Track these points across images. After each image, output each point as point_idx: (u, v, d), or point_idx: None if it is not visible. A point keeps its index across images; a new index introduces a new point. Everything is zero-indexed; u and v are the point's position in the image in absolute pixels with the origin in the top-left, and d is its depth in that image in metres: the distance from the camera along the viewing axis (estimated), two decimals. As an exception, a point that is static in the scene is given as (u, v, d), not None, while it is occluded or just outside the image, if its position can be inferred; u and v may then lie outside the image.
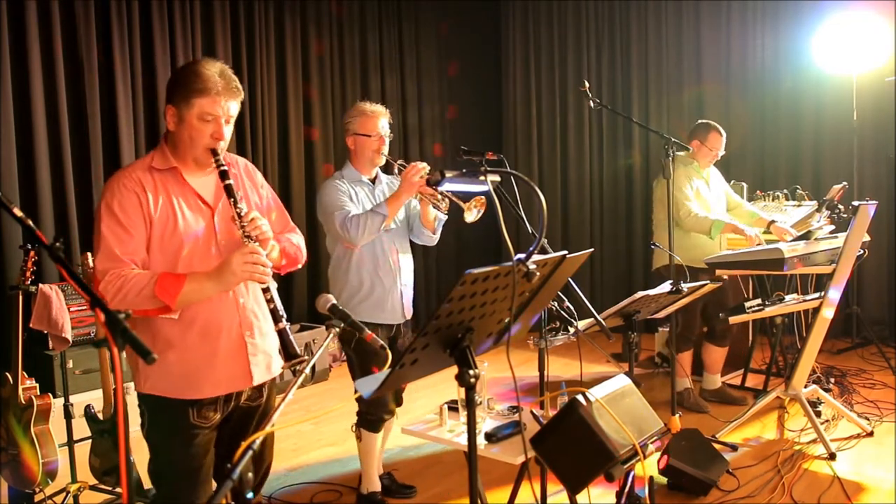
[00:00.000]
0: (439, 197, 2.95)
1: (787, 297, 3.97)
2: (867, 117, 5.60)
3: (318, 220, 3.20)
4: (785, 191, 5.05)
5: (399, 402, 3.26)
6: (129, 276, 1.92)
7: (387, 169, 3.34)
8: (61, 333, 3.47)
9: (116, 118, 4.76)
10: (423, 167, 2.91)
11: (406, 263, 3.19)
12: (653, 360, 5.25)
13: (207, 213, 2.08)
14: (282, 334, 1.99)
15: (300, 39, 6.00)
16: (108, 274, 1.93)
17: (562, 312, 2.62)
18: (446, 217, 3.09)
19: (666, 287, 3.09)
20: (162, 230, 2.00)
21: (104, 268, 1.94)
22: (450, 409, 2.58)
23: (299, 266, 2.32)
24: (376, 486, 3.24)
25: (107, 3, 4.71)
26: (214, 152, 2.03)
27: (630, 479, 2.35)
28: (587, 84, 3.53)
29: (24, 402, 3.08)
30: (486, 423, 2.50)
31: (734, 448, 3.72)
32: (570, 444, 2.12)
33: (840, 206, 4.32)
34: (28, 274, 3.10)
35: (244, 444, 1.51)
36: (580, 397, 2.13)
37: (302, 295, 5.93)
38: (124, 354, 1.29)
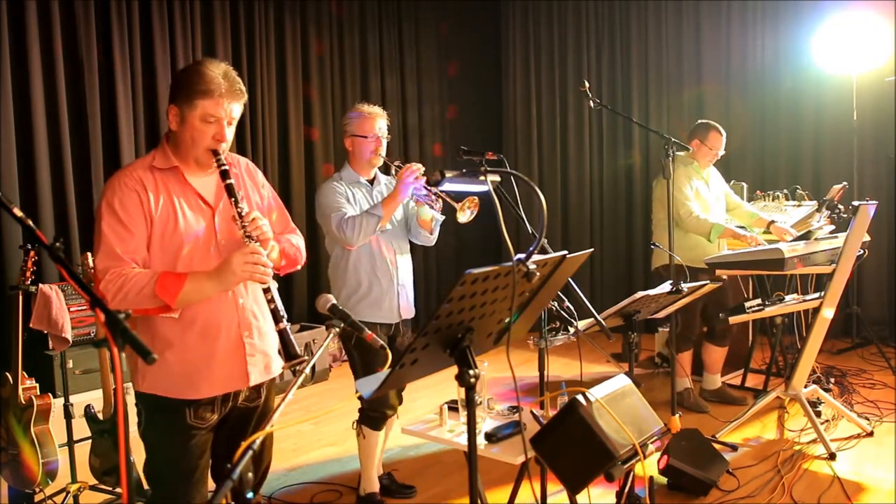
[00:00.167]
0: (433, 197, 2.96)
1: (787, 297, 3.97)
2: (867, 117, 5.60)
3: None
4: (785, 191, 5.05)
5: (400, 400, 3.26)
6: (129, 275, 1.92)
7: (385, 170, 3.34)
8: (61, 333, 3.47)
9: (116, 118, 4.76)
10: (417, 168, 2.92)
11: (404, 264, 3.19)
12: (653, 360, 5.24)
13: (208, 212, 2.08)
14: (282, 334, 1.99)
15: (300, 39, 6.00)
16: (108, 272, 1.92)
17: (562, 312, 2.62)
18: (443, 218, 3.10)
19: (666, 287, 3.09)
20: (162, 229, 2.00)
21: (105, 266, 1.94)
22: (450, 409, 2.58)
23: (298, 267, 2.32)
24: (375, 486, 3.24)
25: (107, 3, 4.72)
26: (216, 153, 2.03)
27: (630, 479, 2.34)
28: (587, 84, 3.53)
29: (24, 402, 3.08)
30: (486, 423, 2.50)
31: (734, 448, 3.73)
32: (570, 444, 2.12)
33: (840, 206, 4.32)
34: (28, 274, 3.10)
35: (244, 444, 1.51)
36: (580, 397, 2.12)
37: (302, 295, 5.93)
38: (124, 354, 1.29)
